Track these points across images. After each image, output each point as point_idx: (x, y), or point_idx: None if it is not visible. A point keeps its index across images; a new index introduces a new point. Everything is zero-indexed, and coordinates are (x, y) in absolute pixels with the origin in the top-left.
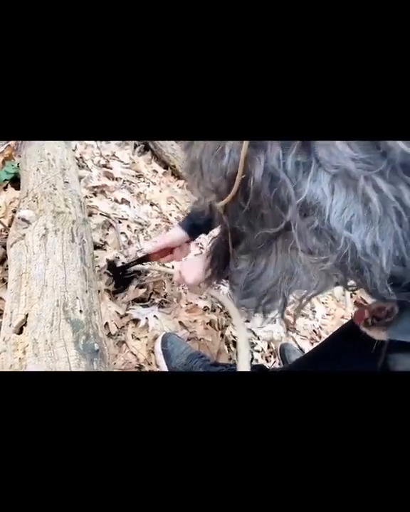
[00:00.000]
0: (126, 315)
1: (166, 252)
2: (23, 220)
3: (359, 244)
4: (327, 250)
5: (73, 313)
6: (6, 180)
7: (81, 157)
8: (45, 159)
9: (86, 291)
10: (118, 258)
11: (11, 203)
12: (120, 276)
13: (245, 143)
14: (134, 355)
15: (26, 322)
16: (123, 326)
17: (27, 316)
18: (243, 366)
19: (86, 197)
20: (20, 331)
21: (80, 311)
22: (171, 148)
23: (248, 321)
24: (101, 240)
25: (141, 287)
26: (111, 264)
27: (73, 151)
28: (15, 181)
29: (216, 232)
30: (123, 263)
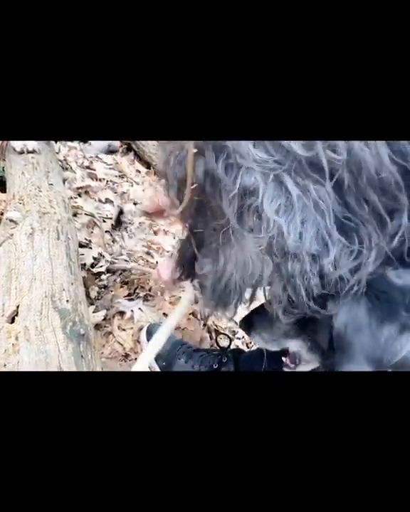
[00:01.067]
0: (112, 307)
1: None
2: (11, 220)
3: (285, 227)
4: (261, 231)
5: (60, 303)
6: None
7: (65, 159)
8: (30, 163)
9: (72, 284)
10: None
11: None
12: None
13: (191, 153)
14: (121, 344)
15: (17, 312)
16: (109, 318)
17: (18, 306)
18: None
19: (71, 198)
20: (12, 321)
21: (67, 301)
22: (154, 148)
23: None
24: (86, 239)
25: (125, 283)
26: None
27: (57, 153)
28: (0, 185)
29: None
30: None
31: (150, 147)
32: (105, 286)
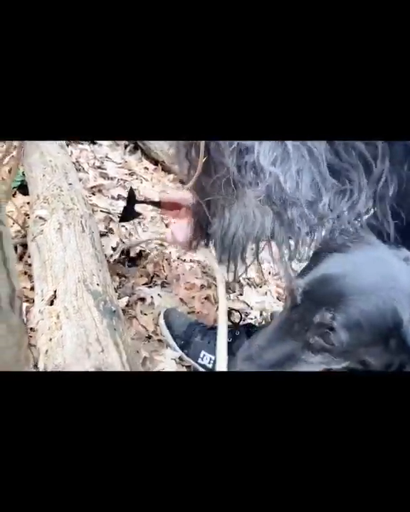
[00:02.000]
0: (133, 294)
1: (175, 206)
2: (40, 217)
3: (281, 177)
4: (259, 183)
5: (92, 286)
6: (14, 188)
7: (77, 161)
8: (48, 166)
9: (100, 270)
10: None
11: (21, 207)
12: (131, 209)
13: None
14: (144, 327)
15: (56, 296)
16: (132, 304)
17: (56, 291)
18: (222, 318)
19: (87, 196)
20: (51, 303)
21: (97, 284)
22: (159, 146)
23: (241, 294)
24: (106, 227)
25: (143, 274)
26: (131, 194)
27: (70, 156)
28: (21, 188)
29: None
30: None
31: (156, 144)
32: (125, 276)
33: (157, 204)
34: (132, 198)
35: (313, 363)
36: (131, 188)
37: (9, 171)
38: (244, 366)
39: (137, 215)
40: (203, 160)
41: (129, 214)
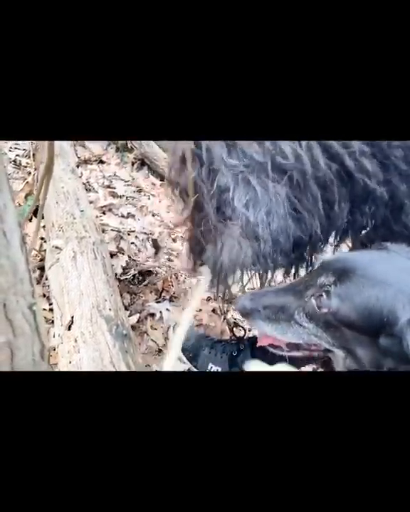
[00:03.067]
0: (143, 310)
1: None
2: (56, 247)
3: (251, 218)
4: (235, 220)
5: (105, 311)
6: (28, 212)
7: (87, 181)
8: (61, 192)
9: (111, 295)
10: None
11: (36, 231)
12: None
13: (190, 173)
14: (154, 341)
15: (73, 321)
16: (142, 320)
17: (73, 317)
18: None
19: (97, 216)
20: (69, 328)
21: (109, 309)
22: (165, 161)
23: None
24: (117, 247)
25: (152, 290)
26: (156, 244)
27: (80, 177)
28: (36, 211)
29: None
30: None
31: (162, 161)
32: (136, 293)
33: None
34: (157, 247)
35: (300, 333)
36: (154, 239)
37: (25, 197)
38: (245, 301)
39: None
40: (194, 197)
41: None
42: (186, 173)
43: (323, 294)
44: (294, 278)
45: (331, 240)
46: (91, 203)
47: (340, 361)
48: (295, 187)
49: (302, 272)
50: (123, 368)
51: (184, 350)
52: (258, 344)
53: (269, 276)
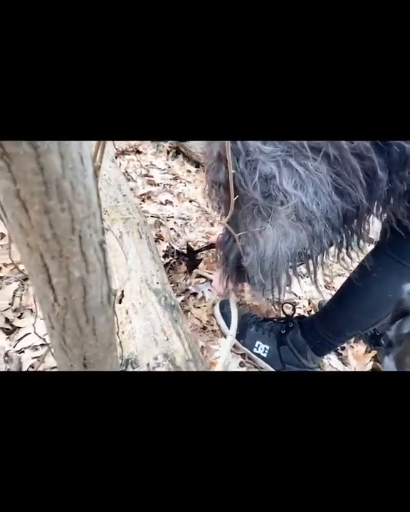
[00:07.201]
0: (187, 290)
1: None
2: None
3: (303, 198)
4: (286, 203)
5: (153, 285)
6: None
7: (126, 171)
8: (104, 180)
9: (158, 270)
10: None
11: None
12: (192, 262)
13: (230, 174)
14: (198, 319)
15: (123, 295)
16: (185, 299)
17: (123, 291)
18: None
19: (138, 204)
20: (120, 302)
21: (157, 283)
22: (200, 148)
23: (288, 285)
24: (156, 235)
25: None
26: (189, 249)
27: (119, 167)
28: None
29: (226, 247)
30: (196, 248)
31: (197, 148)
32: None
33: (211, 246)
34: (190, 252)
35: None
36: (188, 244)
37: None
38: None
39: (199, 261)
40: (235, 198)
41: (192, 266)
42: (224, 171)
43: None
44: (347, 254)
45: (374, 210)
46: (132, 189)
47: None
48: (334, 162)
49: (354, 247)
50: (174, 336)
51: (230, 327)
52: None
53: (324, 257)
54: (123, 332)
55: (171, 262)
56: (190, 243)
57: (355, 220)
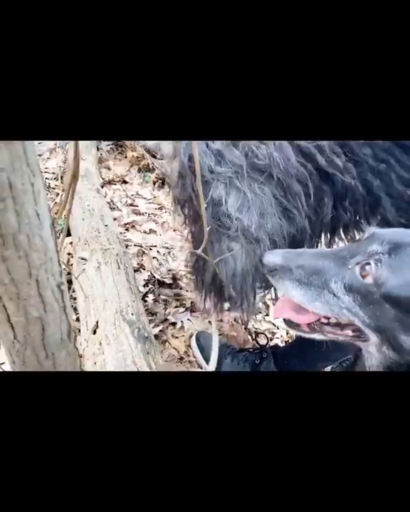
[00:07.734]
0: (166, 320)
1: None
2: (83, 258)
3: (245, 221)
4: (232, 226)
5: (127, 315)
6: (59, 231)
7: (111, 200)
8: (87, 210)
9: (133, 301)
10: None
11: (64, 247)
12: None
13: (203, 205)
14: (176, 349)
15: (97, 326)
16: (164, 329)
17: (97, 322)
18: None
19: (121, 233)
20: (94, 332)
21: (132, 313)
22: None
23: (267, 315)
24: (138, 264)
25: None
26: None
27: (104, 196)
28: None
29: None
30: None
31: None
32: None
33: None
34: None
35: (331, 304)
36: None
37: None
38: (276, 257)
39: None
40: (208, 228)
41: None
42: (187, 186)
43: (371, 262)
44: None
45: (322, 238)
46: (115, 219)
47: (374, 350)
48: (277, 185)
49: None
50: (144, 368)
51: (206, 359)
52: (275, 315)
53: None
54: (95, 363)
55: (152, 292)
56: (173, 272)
57: (302, 244)
